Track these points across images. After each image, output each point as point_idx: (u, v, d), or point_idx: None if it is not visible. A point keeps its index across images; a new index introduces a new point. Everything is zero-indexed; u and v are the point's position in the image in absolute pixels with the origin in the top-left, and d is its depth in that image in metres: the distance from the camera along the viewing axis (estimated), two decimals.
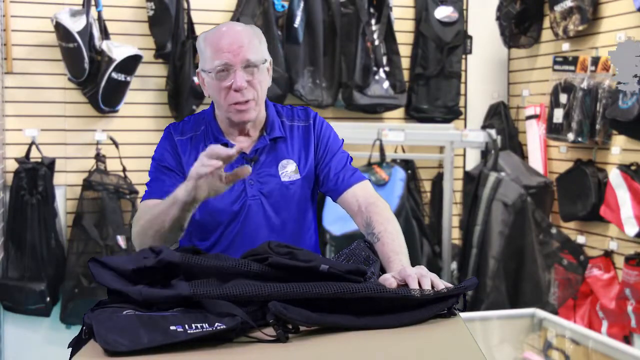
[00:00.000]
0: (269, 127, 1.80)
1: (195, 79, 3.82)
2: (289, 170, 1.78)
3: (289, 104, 1.92)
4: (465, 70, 4.49)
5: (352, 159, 1.87)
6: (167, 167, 1.78)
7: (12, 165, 3.70)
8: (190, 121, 1.85)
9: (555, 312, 3.56)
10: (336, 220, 3.48)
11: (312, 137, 1.83)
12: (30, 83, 3.81)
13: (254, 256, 1.35)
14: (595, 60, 3.71)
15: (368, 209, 1.69)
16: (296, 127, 1.84)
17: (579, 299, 3.83)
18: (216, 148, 1.46)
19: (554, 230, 3.67)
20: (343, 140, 1.89)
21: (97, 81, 3.64)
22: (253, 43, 1.72)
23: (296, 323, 1.21)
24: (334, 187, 1.79)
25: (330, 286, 1.24)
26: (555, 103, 3.90)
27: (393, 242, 1.59)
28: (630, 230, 3.45)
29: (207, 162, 1.46)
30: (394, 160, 4.03)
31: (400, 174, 3.71)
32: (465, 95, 4.52)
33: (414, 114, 4.29)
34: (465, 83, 4.51)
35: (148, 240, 1.62)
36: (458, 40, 4.26)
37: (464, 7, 4.38)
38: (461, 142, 3.86)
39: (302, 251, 1.39)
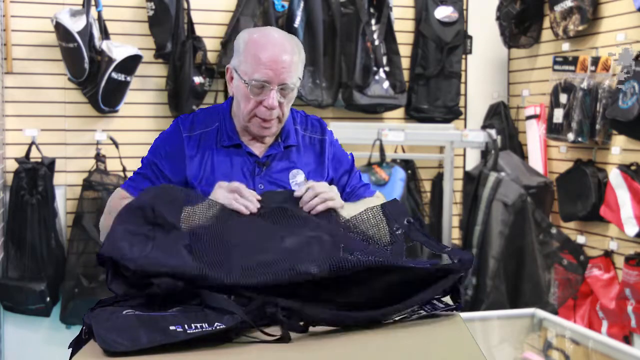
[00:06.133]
0: (284, 135, 1.79)
1: (195, 78, 3.82)
2: (298, 179, 1.77)
3: (301, 110, 1.91)
4: (465, 70, 4.48)
5: (361, 174, 1.90)
6: (159, 169, 1.77)
7: (12, 165, 3.70)
8: (201, 114, 1.81)
9: (555, 312, 3.55)
10: None
11: (327, 152, 1.83)
12: (30, 83, 3.81)
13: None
14: (595, 60, 3.70)
15: None
16: (309, 137, 1.83)
17: (579, 299, 3.83)
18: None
19: (554, 230, 3.67)
20: (352, 154, 1.91)
21: (97, 81, 3.64)
22: (294, 62, 1.70)
23: (309, 320, 1.21)
24: (346, 200, 1.77)
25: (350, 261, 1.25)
26: (555, 103, 3.90)
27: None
28: (630, 230, 3.45)
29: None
30: (394, 160, 4.03)
31: (400, 174, 3.72)
32: (465, 95, 4.52)
33: (414, 114, 4.29)
34: (465, 83, 4.51)
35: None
36: (458, 40, 4.26)
37: (464, 7, 4.37)
38: (461, 142, 3.86)
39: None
